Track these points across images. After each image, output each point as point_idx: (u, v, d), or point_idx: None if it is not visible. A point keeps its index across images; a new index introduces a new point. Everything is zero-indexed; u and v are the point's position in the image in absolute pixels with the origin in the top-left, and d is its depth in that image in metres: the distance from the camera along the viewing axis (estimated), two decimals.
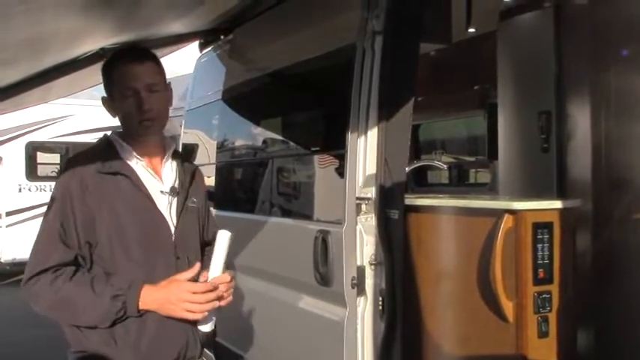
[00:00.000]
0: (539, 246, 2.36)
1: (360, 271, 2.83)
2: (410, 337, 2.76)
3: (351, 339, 2.82)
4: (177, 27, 3.69)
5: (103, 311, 1.91)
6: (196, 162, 4.87)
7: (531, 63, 3.46)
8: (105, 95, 2.07)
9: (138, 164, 2.03)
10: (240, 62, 4.32)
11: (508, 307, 2.37)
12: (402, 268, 2.75)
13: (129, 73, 2.01)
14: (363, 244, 2.84)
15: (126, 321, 1.94)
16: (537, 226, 2.36)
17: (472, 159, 5.88)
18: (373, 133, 2.84)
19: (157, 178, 2.06)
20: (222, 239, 1.99)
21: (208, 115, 4.58)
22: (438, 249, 2.75)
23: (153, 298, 1.93)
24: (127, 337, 1.96)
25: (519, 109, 3.58)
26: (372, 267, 2.83)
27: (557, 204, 2.45)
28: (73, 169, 1.99)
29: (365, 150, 2.84)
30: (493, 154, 4.16)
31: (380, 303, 2.78)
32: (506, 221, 2.36)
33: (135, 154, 2.04)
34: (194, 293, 1.93)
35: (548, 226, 2.38)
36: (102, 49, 3.27)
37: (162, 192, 2.04)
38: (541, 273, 2.36)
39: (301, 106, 3.76)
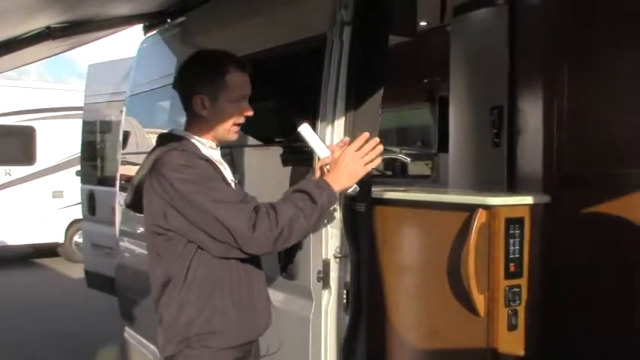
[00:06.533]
0: (511, 241, 2.39)
1: (325, 264, 2.80)
2: (375, 330, 2.76)
3: (317, 333, 2.79)
4: (124, 9, 3.50)
5: (320, 208, 2.06)
6: (140, 150, 4.69)
7: (484, 58, 3.51)
8: (196, 93, 2.13)
9: (218, 156, 2.24)
10: (189, 47, 4.15)
11: (479, 300, 2.40)
12: (367, 261, 2.74)
13: (243, 80, 2.19)
14: (328, 237, 2.81)
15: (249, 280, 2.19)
16: (509, 222, 2.40)
17: (418, 152, 5.94)
18: (340, 125, 2.80)
19: (228, 170, 2.28)
20: (307, 130, 2.31)
21: (153, 102, 4.38)
22: (405, 243, 2.76)
23: (335, 177, 2.14)
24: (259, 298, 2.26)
25: (471, 103, 3.64)
26: (337, 260, 2.80)
27: (529, 200, 2.50)
28: (194, 154, 2.10)
29: (332, 142, 2.80)
30: (443, 147, 4.23)
31: (344, 296, 2.76)
32: (480, 216, 2.38)
33: (216, 147, 2.25)
34: (359, 149, 2.15)
35: (519, 222, 2.42)
36: (48, 27, 3.06)
37: (232, 180, 2.27)
38: (512, 267, 2.40)
39: (259, 97, 3.64)
